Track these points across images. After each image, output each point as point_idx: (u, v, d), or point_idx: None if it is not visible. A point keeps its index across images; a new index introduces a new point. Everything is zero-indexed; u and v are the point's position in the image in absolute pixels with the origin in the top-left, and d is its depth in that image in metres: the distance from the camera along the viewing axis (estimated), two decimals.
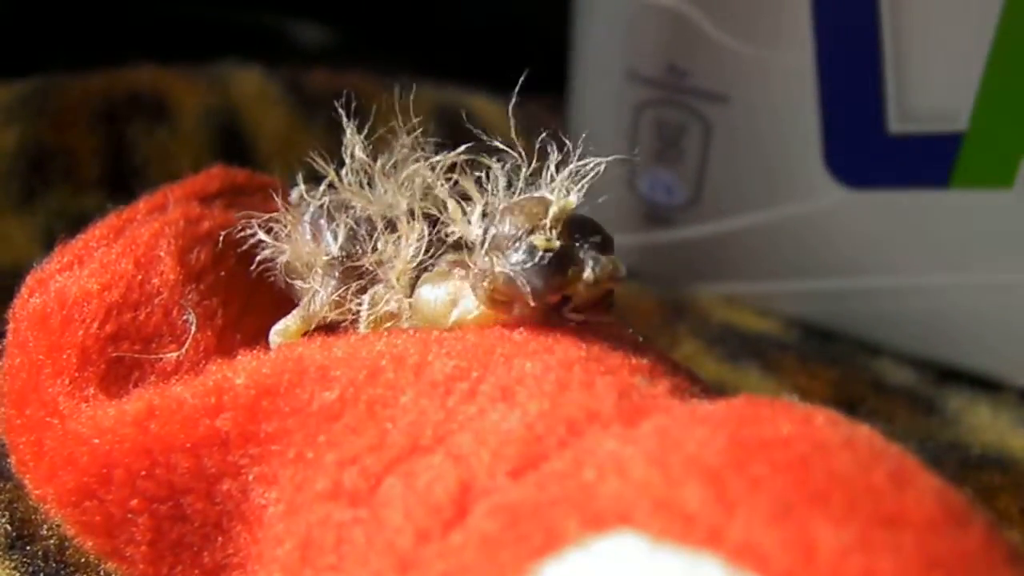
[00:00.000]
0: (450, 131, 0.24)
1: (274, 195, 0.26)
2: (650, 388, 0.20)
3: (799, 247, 0.40)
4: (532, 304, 0.22)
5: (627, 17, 0.40)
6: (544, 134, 0.23)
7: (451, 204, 0.23)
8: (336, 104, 0.25)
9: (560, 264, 0.21)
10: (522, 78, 0.26)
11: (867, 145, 0.37)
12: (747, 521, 0.16)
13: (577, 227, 0.22)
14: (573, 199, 0.22)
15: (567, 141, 0.23)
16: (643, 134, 0.41)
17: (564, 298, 0.22)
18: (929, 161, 0.37)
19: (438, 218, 0.24)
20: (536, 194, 0.23)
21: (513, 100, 0.25)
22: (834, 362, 0.38)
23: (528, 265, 0.21)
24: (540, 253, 0.21)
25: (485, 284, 0.22)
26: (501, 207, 0.23)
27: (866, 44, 0.36)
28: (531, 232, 0.22)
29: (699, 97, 0.39)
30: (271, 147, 0.44)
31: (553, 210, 0.22)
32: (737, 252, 0.41)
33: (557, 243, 0.21)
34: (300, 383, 0.22)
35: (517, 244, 0.22)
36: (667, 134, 0.41)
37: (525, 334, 0.22)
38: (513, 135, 0.23)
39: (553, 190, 0.22)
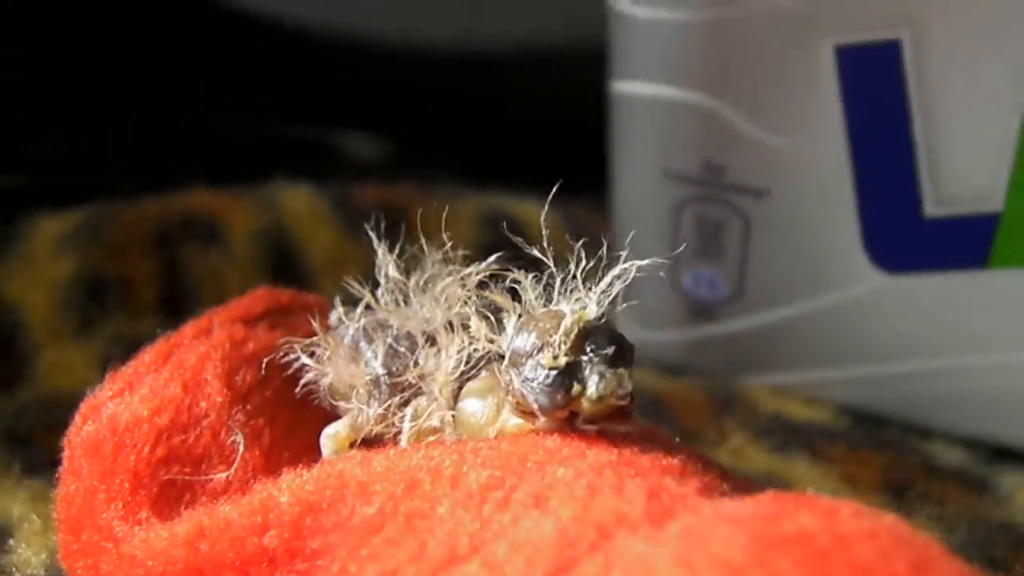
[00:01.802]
0: (496, 237, 0.24)
1: (317, 316, 0.27)
2: (679, 488, 0.21)
3: (844, 334, 0.40)
4: (542, 420, 0.22)
5: (661, 116, 0.41)
6: (582, 240, 0.23)
7: (474, 320, 0.24)
8: (369, 223, 0.26)
9: (563, 382, 0.22)
10: (555, 187, 0.27)
11: (905, 230, 0.38)
12: None
13: (592, 338, 0.22)
14: (590, 311, 0.23)
15: (606, 244, 0.24)
16: (684, 231, 0.42)
17: (572, 412, 0.22)
18: (966, 243, 0.37)
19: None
20: (553, 308, 0.23)
21: (545, 208, 0.26)
22: (884, 447, 0.38)
23: (535, 383, 0.22)
24: (545, 372, 0.22)
25: (508, 398, 0.23)
26: (519, 322, 0.23)
27: (897, 130, 0.36)
28: (542, 348, 0.22)
29: (737, 192, 0.40)
30: (321, 263, 0.45)
31: (565, 323, 0.22)
32: (783, 343, 0.42)
33: (563, 360, 0.22)
34: (341, 499, 0.22)
35: (528, 360, 0.22)
36: (707, 230, 0.41)
37: (558, 440, 0.23)
38: (544, 242, 0.24)
39: (574, 301, 0.23)
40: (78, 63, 0.64)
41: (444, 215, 0.25)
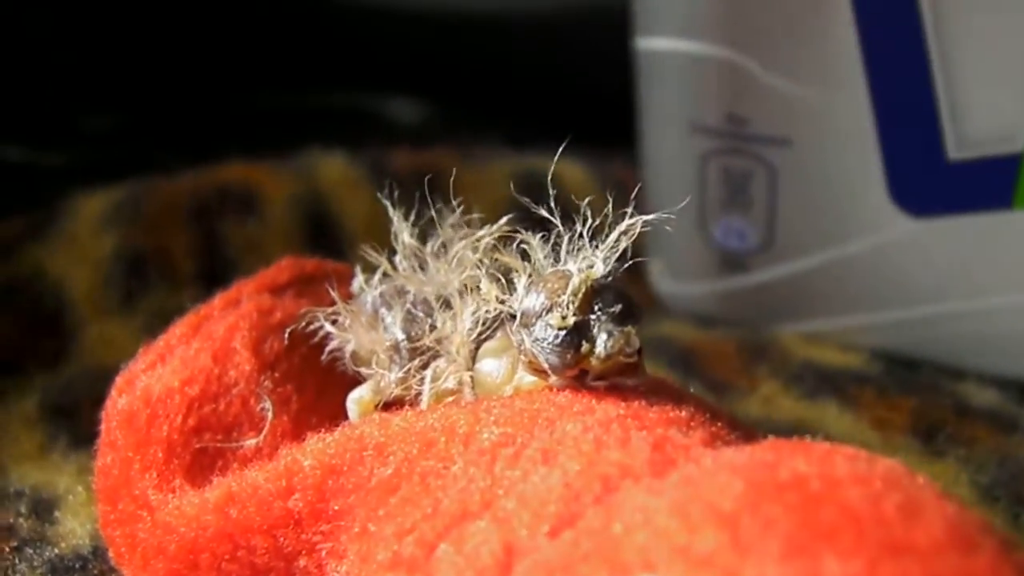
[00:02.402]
0: (531, 198, 0.25)
1: (341, 283, 0.28)
2: (684, 440, 0.21)
3: (874, 280, 0.40)
4: (554, 377, 0.23)
5: (684, 70, 0.41)
6: (612, 194, 0.24)
7: (484, 283, 0.25)
8: (404, 189, 0.26)
9: (572, 341, 0.22)
10: (564, 143, 0.27)
11: (929, 174, 0.38)
12: (759, 561, 0.17)
13: (600, 297, 0.23)
14: (597, 269, 0.23)
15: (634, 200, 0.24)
16: (711, 183, 0.42)
17: (583, 370, 0.23)
18: (991, 184, 0.37)
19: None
20: (561, 268, 0.24)
21: (553, 165, 0.26)
22: (915, 390, 0.38)
23: (545, 343, 0.23)
24: (555, 332, 0.22)
25: (522, 357, 0.24)
26: (528, 282, 0.24)
27: (917, 75, 0.36)
28: (551, 308, 0.23)
29: (761, 143, 0.40)
30: (358, 229, 0.46)
31: (573, 283, 0.23)
32: (814, 290, 0.42)
33: (572, 320, 0.22)
34: (361, 460, 0.23)
35: (538, 320, 0.23)
36: (734, 181, 0.42)
37: (569, 396, 0.23)
38: (552, 203, 0.24)
39: (581, 260, 0.23)
40: (121, 43, 0.65)
41: (476, 177, 0.26)
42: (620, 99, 0.46)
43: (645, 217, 0.23)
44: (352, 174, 0.48)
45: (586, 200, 0.24)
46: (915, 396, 0.38)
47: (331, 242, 0.45)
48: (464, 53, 0.65)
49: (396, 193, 0.26)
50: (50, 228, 0.44)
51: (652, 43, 0.42)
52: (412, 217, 0.27)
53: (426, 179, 0.26)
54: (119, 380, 0.28)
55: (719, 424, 0.23)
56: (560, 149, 0.27)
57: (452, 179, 0.25)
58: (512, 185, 0.25)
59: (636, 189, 0.25)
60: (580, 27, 0.63)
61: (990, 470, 0.34)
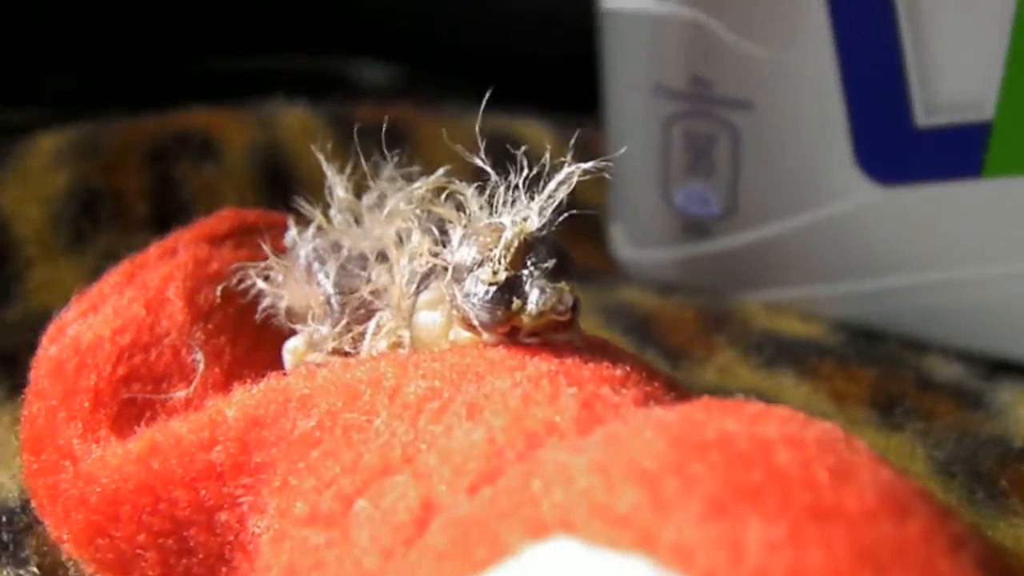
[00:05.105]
0: (495, 155, 0.24)
1: (281, 235, 0.27)
2: (615, 398, 0.20)
3: (838, 249, 0.40)
4: (487, 334, 0.22)
5: (648, 31, 0.40)
6: (522, 149, 0.23)
7: (415, 235, 0.24)
8: (366, 140, 0.25)
9: (503, 298, 0.22)
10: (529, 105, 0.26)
11: (896, 141, 0.37)
12: (679, 522, 0.16)
13: (533, 252, 0.22)
14: (531, 223, 0.22)
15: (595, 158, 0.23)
16: (674, 147, 0.41)
17: (515, 327, 0.22)
18: (959, 152, 0.36)
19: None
20: (495, 219, 0.23)
21: (517, 125, 0.25)
22: (876, 362, 0.38)
23: (475, 299, 0.22)
24: (485, 287, 0.22)
25: (455, 312, 0.23)
26: (460, 235, 0.23)
27: (885, 39, 0.36)
28: (481, 263, 0.22)
29: (725, 106, 0.39)
30: (316, 180, 0.45)
31: (505, 237, 0.22)
32: (777, 258, 0.41)
33: (503, 276, 0.22)
34: (284, 412, 0.22)
35: (469, 275, 0.22)
36: (697, 146, 0.41)
37: (503, 351, 0.22)
38: (517, 162, 0.23)
39: (515, 213, 0.23)
40: (84, 3, 0.64)
41: (437, 132, 0.25)
42: (590, 65, 0.45)
43: (583, 165, 0.22)
44: (312, 124, 0.47)
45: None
46: (876, 368, 0.37)
47: (286, 192, 0.44)
48: (431, 17, 0.65)
49: (354, 143, 0.25)
50: (3, 160, 0.43)
51: (617, 3, 0.41)
52: (364, 170, 0.26)
53: (382, 130, 0.25)
54: (50, 328, 0.27)
55: (655, 384, 0.22)
56: (524, 111, 0.26)
57: (412, 131, 0.25)
58: (478, 138, 0.24)
59: (600, 150, 0.24)
60: None
61: (948, 446, 0.33)
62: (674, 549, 0.16)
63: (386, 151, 0.25)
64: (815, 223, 0.40)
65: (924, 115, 0.36)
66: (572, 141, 0.23)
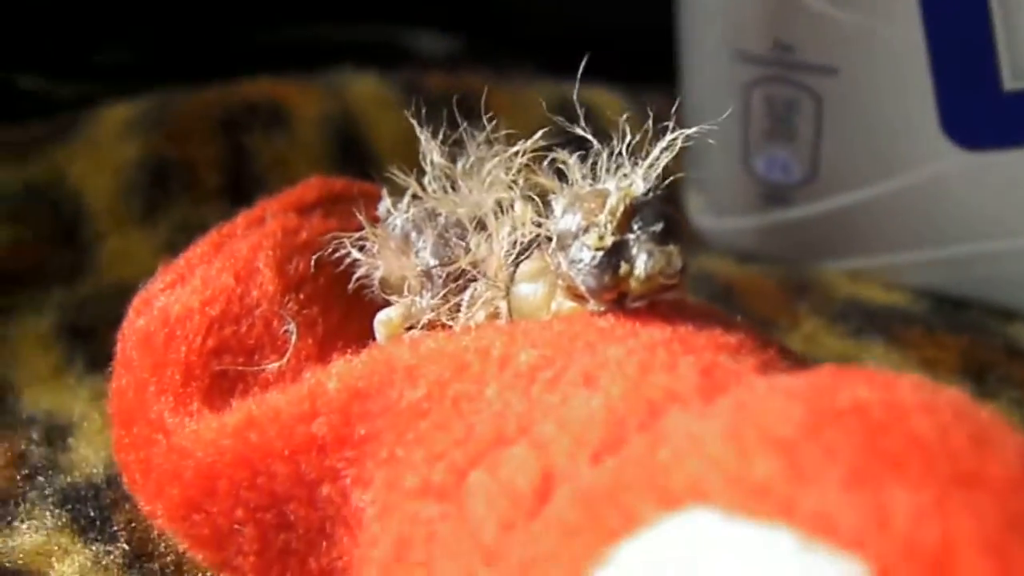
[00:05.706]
0: (567, 121, 0.23)
1: (370, 205, 0.27)
2: (734, 365, 0.20)
3: (922, 215, 0.39)
4: (593, 303, 0.22)
5: None
6: (651, 121, 0.23)
7: (518, 204, 0.23)
8: (408, 111, 0.25)
9: (610, 262, 0.21)
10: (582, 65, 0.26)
11: (983, 105, 0.36)
12: (820, 491, 0.16)
13: (640, 216, 0.22)
14: (636, 187, 0.22)
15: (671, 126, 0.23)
16: (755, 113, 0.41)
17: (622, 293, 0.22)
18: None
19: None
20: (599, 186, 0.22)
21: (590, 93, 0.25)
22: (963, 330, 0.37)
23: (582, 265, 0.21)
24: (592, 253, 0.21)
25: (559, 281, 0.22)
26: (564, 203, 0.22)
27: (973, 2, 0.35)
28: (587, 229, 0.21)
29: (807, 71, 0.39)
30: (390, 150, 0.45)
31: (610, 202, 0.21)
32: (859, 226, 0.40)
33: (609, 241, 0.21)
34: (390, 383, 0.22)
35: (574, 242, 0.22)
36: (778, 111, 0.40)
37: (611, 320, 0.22)
38: (583, 123, 0.23)
39: (620, 178, 0.22)
40: None
41: (510, 99, 0.24)
42: (660, 35, 0.44)
43: (686, 131, 0.22)
44: (384, 94, 0.47)
45: (624, 120, 0.23)
46: (964, 336, 0.37)
47: (359, 162, 0.44)
48: None
49: (426, 113, 0.25)
50: (72, 131, 0.43)
51: None
52: (442, 138, 0.25)
53: (455, 99, 0.25)
54: (137, 300, 0.27)
55: (770, 352, 0.22)
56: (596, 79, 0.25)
57: (484, 100, 0.24)
58: (546, 108, 0.24)
59: (674, 117, 0.23)
60: None
61: None
62: (816, 518, 0.15)
63: (463, 120, 0.25)
64: (899, 190, 0.39)
65: (1012, 79, 0.35)
66: (646, 115, 0.23)
